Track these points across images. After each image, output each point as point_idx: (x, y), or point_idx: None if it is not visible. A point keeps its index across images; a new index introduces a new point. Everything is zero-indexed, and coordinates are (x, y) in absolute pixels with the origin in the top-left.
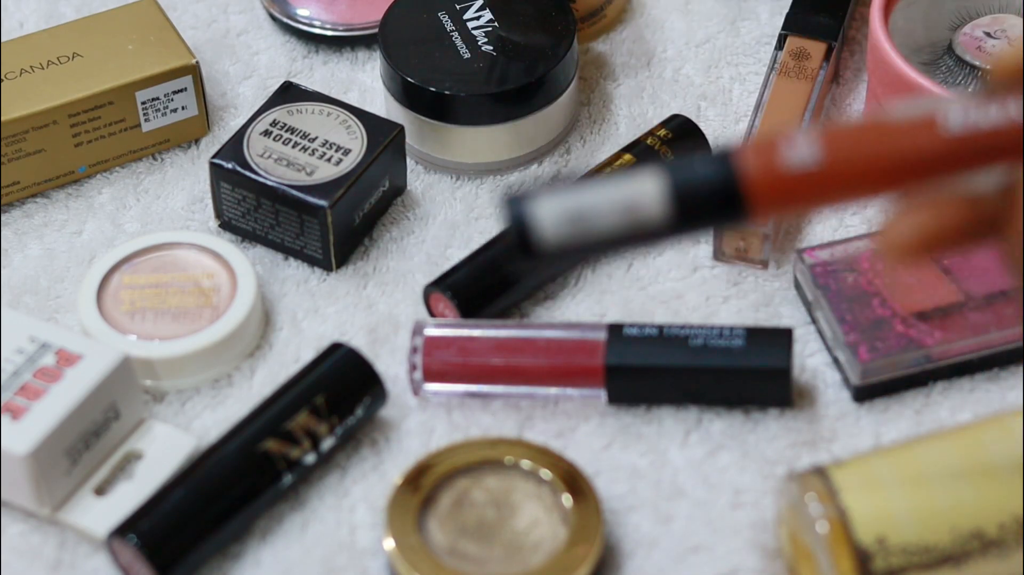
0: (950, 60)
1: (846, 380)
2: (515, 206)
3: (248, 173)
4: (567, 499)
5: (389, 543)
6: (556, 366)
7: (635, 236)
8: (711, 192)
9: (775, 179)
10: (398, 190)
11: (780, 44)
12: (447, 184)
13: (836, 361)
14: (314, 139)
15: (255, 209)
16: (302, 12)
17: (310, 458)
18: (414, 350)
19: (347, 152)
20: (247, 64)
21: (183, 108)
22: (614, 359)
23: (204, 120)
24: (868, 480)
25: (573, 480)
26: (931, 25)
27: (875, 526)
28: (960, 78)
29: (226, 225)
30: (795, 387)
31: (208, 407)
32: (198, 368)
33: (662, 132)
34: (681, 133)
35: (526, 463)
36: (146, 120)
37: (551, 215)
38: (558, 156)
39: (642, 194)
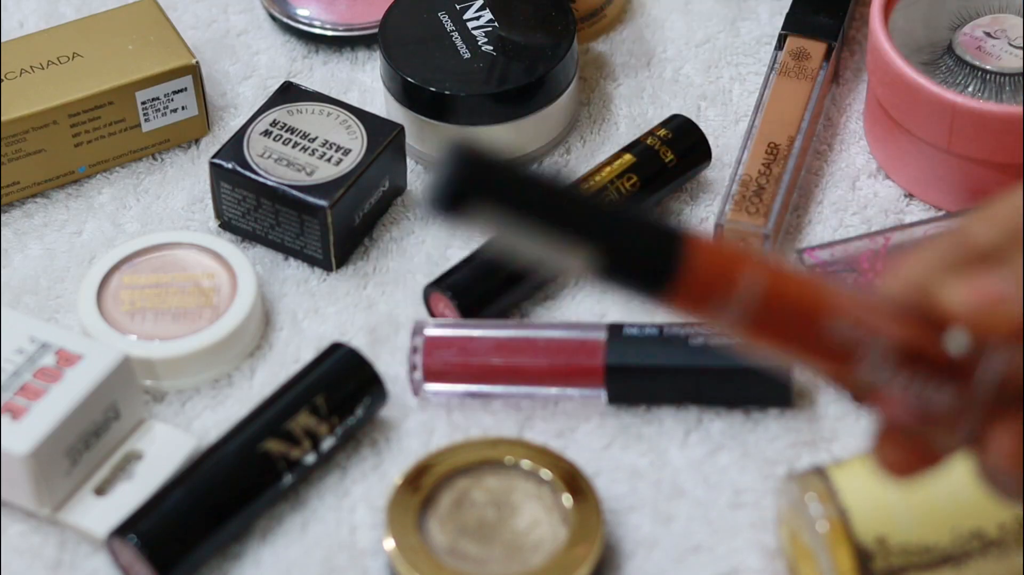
0: (950, 60)
1: None
2: (465, 170)
3: (248, 173)
4: (567, 499)
5: (389, 543)
6: (556, 366)
7: (548, 267)
8: (643, 269)
9: (709, 284)
10: (398, 190)
11: (780, 44)
12: None
13: None
14: (314, 139)
15: (255, 209)
16: (302, 12)
17: (310, 458)
18: (414, 350)
19: (347, 152)
20: (247, 64)
21: (183, 108)
22: (614, 359)
23: (204, 120)
24: (868, 480)
25: (573, 480)
26: (931, 25)
27: (875, 526)
28: (960, 78)
29: (226, 225)
30: (795, 387)
31: (208, 407)
32: (198, 368)
33: (662, 132)
34: (681, 133)
35: (526, 463)
36: (146, 120)
37: (487, 208)
38: (558, 156)
39: (575, 257)
